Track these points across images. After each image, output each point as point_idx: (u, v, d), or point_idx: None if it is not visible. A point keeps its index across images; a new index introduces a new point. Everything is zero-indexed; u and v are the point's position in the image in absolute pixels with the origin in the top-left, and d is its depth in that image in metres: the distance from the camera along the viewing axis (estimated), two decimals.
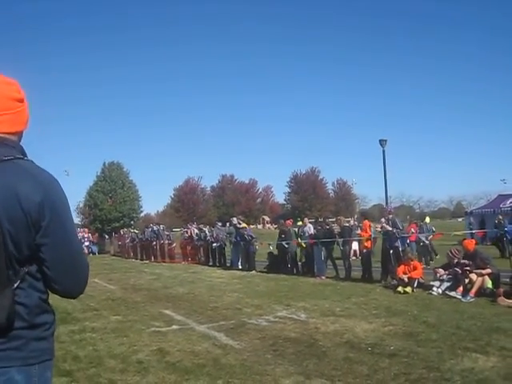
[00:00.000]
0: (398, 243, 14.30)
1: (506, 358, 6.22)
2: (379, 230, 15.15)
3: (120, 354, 7.20)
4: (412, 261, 13.08)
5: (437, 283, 11.89)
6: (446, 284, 11.65)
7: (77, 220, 75.30)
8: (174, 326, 9.16)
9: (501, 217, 23.19)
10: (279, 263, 19.12)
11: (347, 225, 17.62)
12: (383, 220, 15.06)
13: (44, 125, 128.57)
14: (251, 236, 21.03)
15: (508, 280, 11.31)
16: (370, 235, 15.68)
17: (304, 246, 18.12)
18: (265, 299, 12.09)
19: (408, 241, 25.13)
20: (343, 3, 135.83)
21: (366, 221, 16.50)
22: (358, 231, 16.54)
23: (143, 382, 5.88)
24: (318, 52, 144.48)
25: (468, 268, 11.41)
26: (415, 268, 12.70)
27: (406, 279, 12.32)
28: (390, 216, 14.91)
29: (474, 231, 24.59)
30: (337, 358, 6.57)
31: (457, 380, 5.48)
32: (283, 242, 18.95)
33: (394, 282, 13.02)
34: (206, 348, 7.44)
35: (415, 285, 12.34)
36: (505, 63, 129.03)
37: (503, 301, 9.91)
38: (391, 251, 14.24)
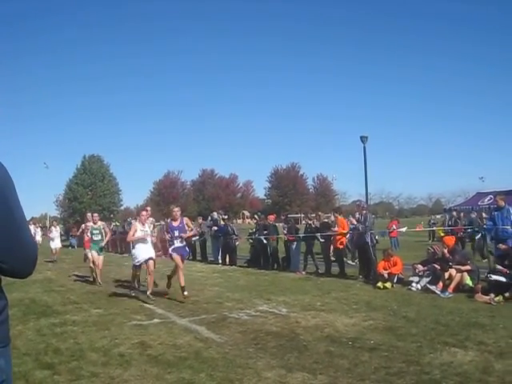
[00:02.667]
0: (367, 239, 14.39)
1: (483, 353, 6.34)
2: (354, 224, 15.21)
3: (102, 347, 7.19)
4: (392, 256, 13.18)
5: (416, 279, 12.01)
6: (425, 280, 11.77)
7: (56, 213, 74.85)
8: (156, 320, 9.16)
9: (454, 213, 22.61)
10: (260, 258, 19.18)
11: (326, 220, 17.68)
12: (356, 216, 15.19)
13: (25, 118, 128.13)
14: (233, 231, 21.07)
15: (484, 276, 11.49)
16: (347, 231, 15.72)
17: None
18: (246, 293, 12.14)
19: (388, 237, 25.47)
20: None
21: (341, 217, 16.41)
22: (336, 228, 16.51)
23: (125, 374, 5.88)
24: (299, 47, 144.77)
25: (450, 263, 11.55)
26: (395, 264, 12.81)
27: (386, 275, 12.44)
28: (364, 212, 14.99)
29: (449, 228, 24.68)
30: (318, 352, 6.63)
31: (436, 374, 5.57)
32: (262, 237, 19.04)
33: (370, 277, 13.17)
34: (187, 341, 7.46)
35: (395, 280, 12.47)
36: (485, 60, 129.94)
37: (481, 297, 10.06)
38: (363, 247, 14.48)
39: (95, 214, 16.33)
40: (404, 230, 21.02)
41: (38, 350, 7.07)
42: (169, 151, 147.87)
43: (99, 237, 15.49)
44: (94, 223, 15.68)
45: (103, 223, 16.63)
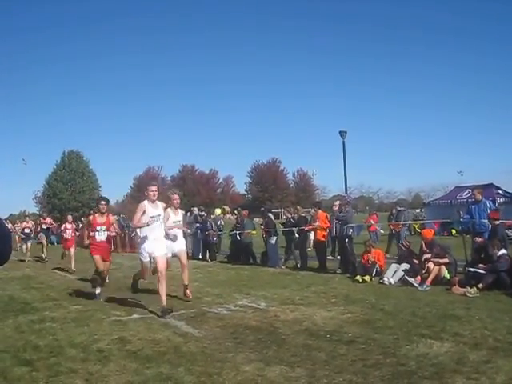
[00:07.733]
0: (348, 233, 14.52)
1: (458, 344, 6.43)
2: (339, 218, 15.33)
3: (80, 343, 7.16)
4: (373, 248, 13.31)
5: (390, 274, 12.12)
6: (400, 273, 11.90)
7: (35, 209, 74.31)
8: (135, 315, 9.14)
9: (397, 211, 21.03)
10: (239, 253, 19.25)
11: (303, 215, 17.76)
12: (337, 210, 15.30)
13: (2, 113, 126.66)
14: (212, 227, 21.07)
15: (462, 269, 11.66)
16: (328, 226, 15.79)
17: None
18: (225, 288, 12.16)
19: (368, 231, 25.58)
20: None
21: (321, 211, 16.42)
22: (317, 222, 16.53)
23: (104, 370, 5.86)
24: (278, 41, 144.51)
25: (428, 256, 11.66)
26: (378, 256, 12.95)
27: (371, 263, 12.59)
28: (347, 206, 15.11)
29: (428, 221, 24.83)
30: (296, 345, 6.67)
31: (412, 365, 5.64)
32: (236, 233, 19.17)
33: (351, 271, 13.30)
34: (166, 336, 7.46)
35: (374, 274, 12.57)
36: (465, 52, 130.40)
37: (457, 289, 10.19)
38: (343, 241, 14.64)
39: None
40: (382, 231, 21.24)
41: (16, 347, 7.02)
42: (149, 147, 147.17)
43: None
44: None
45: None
